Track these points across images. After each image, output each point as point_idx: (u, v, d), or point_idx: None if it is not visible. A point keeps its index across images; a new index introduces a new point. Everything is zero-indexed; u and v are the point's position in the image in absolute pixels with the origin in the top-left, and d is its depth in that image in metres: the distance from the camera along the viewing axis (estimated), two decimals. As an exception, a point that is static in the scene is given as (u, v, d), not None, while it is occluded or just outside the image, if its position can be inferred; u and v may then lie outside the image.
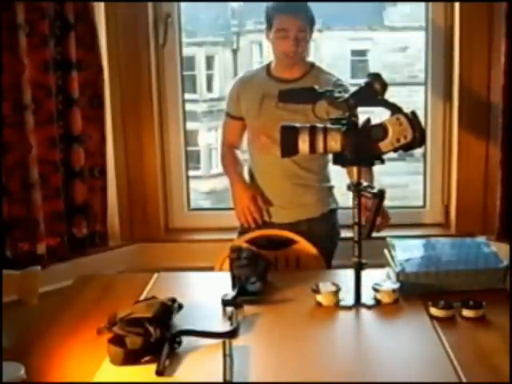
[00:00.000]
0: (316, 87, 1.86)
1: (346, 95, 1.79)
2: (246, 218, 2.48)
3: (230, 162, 2.62)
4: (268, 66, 2.54)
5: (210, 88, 5.72)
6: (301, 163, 2.44)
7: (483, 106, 2.78)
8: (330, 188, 2.58)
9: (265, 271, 1.99)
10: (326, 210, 2.53)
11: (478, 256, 1.96)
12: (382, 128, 1.73)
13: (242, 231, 2.55)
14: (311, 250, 2.39)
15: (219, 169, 2.95)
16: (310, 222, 2.50)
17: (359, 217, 1.81)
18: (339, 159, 1.80)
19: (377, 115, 1.79)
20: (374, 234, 1.83)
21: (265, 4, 2.47)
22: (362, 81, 1.78)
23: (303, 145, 1.76)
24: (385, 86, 1.74)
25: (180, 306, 1.71)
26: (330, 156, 2.36)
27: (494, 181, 2.73)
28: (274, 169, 2.47)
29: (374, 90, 1.74)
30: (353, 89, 1.86)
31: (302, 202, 2.49)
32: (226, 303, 1.82)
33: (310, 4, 2.43)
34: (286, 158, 2.30)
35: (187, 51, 3.64)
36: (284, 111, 2.31)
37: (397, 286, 1.86)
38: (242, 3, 4.95)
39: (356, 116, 1.79)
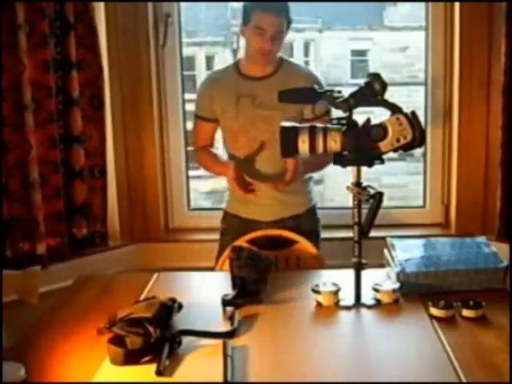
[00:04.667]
0: (316, 87, 1.86)
1: (346, 95, 1.79)
2: (239, 185, 2.32)
3: (208, 157, 2.52)
4: (237, 65, 2.47)
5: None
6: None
7: (483, 106, 2.78)
8: (311, 182, 2.53)
9: (265, 271, 1.99)
10: (311, 205, 2.51)
11: (478, 256, 1.96)
12: (382, 128, 1.73)
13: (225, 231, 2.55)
14: (311, 249, 2.39)
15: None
16: (296, 218, 2.47)
17: (359, 217, 1.82)
18: (339, 159, 1.80)
19: (377, 115, 1.79)
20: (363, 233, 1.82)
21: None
22: (362, 81, 1.78)
23: (303, 145, 1.76)
24: (384, 86, 1.74)
25: (180, 306, 1.72)
26: None
27: (494, 181, 2.73)
28: None
29: (373, 90, 1.74)
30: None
31: (286, 198, 2.42)
32: (225, 303, 1.82)
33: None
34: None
35: (187, 51, 3.64)
36: (261, 108, 2.33)
37: (397, 286, 1.86)
38: (241, 3, 4.96)
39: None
